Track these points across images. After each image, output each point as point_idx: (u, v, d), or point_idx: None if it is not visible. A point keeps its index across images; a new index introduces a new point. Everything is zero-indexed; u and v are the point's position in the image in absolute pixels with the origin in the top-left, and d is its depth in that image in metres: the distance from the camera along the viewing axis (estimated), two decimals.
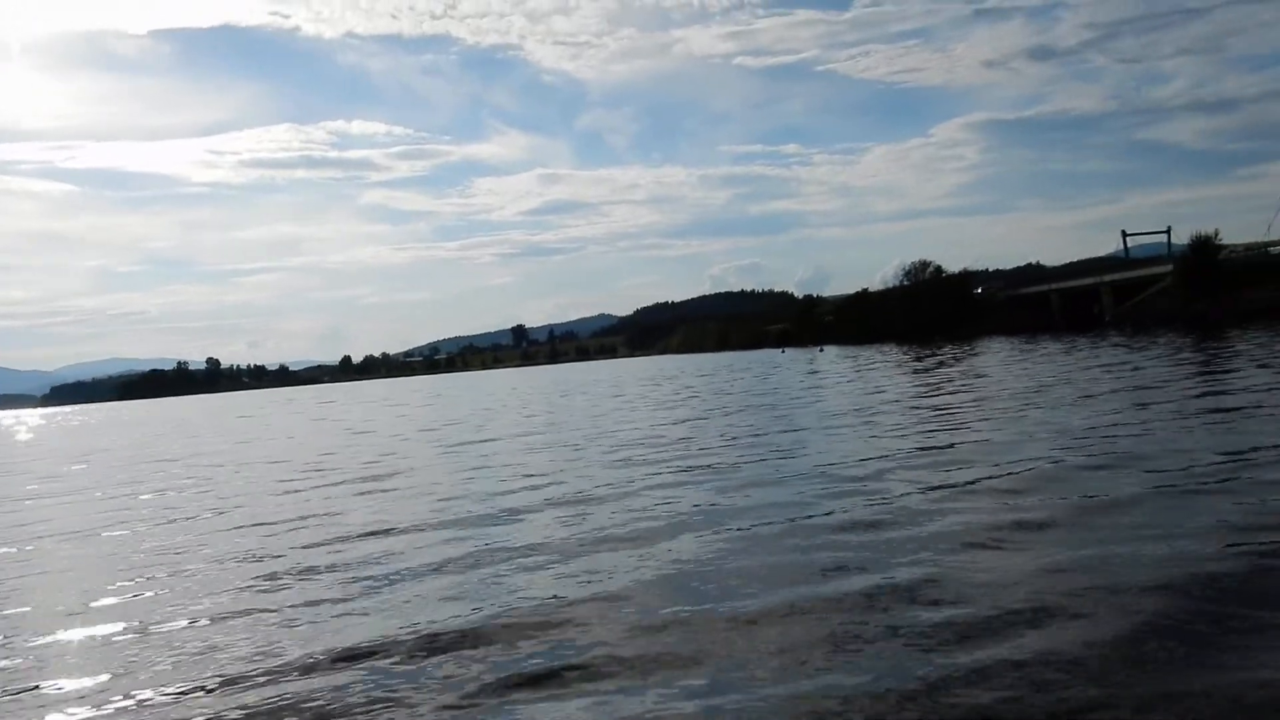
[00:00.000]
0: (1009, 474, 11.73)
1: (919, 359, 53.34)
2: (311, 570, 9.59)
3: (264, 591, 8.84)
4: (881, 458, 14.27)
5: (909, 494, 10.96)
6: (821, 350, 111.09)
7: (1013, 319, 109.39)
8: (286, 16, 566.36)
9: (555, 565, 8.86)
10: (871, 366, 50.17)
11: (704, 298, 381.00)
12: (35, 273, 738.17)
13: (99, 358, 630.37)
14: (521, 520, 11.50)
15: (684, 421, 24.59)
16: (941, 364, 43.91)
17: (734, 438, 19.17)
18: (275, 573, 9.58)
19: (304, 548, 10.87)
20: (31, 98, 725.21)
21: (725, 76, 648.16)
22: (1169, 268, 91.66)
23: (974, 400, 22.88)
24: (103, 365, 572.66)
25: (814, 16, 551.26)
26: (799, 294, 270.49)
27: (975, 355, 51.05)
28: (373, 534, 11.34)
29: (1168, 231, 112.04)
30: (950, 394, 25.66)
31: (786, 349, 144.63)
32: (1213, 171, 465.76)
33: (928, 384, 31.19)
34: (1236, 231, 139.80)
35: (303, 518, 13.19)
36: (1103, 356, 37.26)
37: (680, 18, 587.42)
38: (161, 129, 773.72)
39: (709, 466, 14.97)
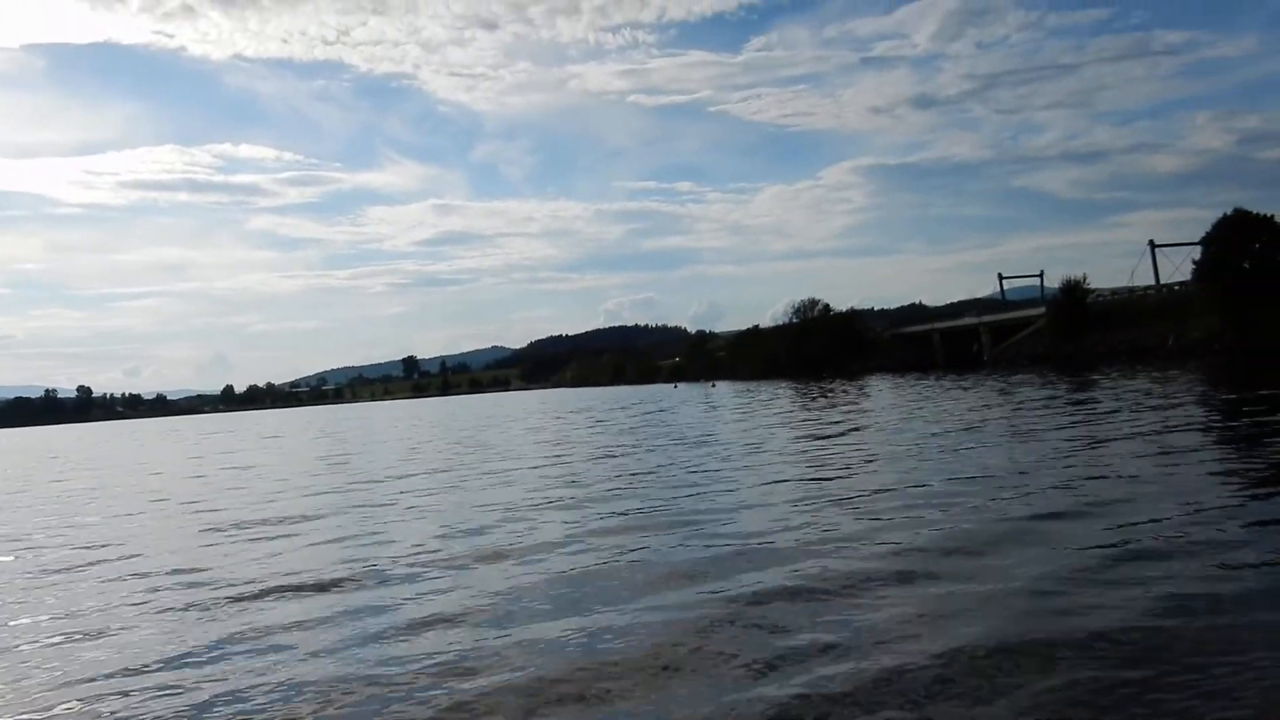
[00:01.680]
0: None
1: (809, 395, 54.68)
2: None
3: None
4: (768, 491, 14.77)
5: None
6: (714, 385, 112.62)
7: (897, 356, 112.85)
8: (171, 36, 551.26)
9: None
10: (769, 402, 51.20)
11: (598, 331, 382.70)
12: None
13: None
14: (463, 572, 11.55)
15: (604, 458, 24.75)
16: (833, 403, 45.10)
17: (634, 473, 19.49)
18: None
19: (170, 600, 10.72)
20: None
21: (620, 113, 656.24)
22: (1042, 310, 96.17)
23: (874, 436, 23.74)
24: None
25: (706, 58, 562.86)
26: (692, 329, 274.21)
27: (864, 392, 52.65)
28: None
29: (1040, 275, 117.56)
30: (847, 429, 26.54)
31: (679, 384, 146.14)
32: (1083, 218, 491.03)
33: (824, 422, 32.06)
34: (1104, 276, 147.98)
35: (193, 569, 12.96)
36: (980, 392, 39.07)
37: (576, 54, 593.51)
38: (33, 146, 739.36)
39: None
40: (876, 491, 13.49)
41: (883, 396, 44.61)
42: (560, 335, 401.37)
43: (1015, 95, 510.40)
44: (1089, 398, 30.44)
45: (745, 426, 30.94)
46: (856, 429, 25.75)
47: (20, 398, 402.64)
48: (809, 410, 37.93)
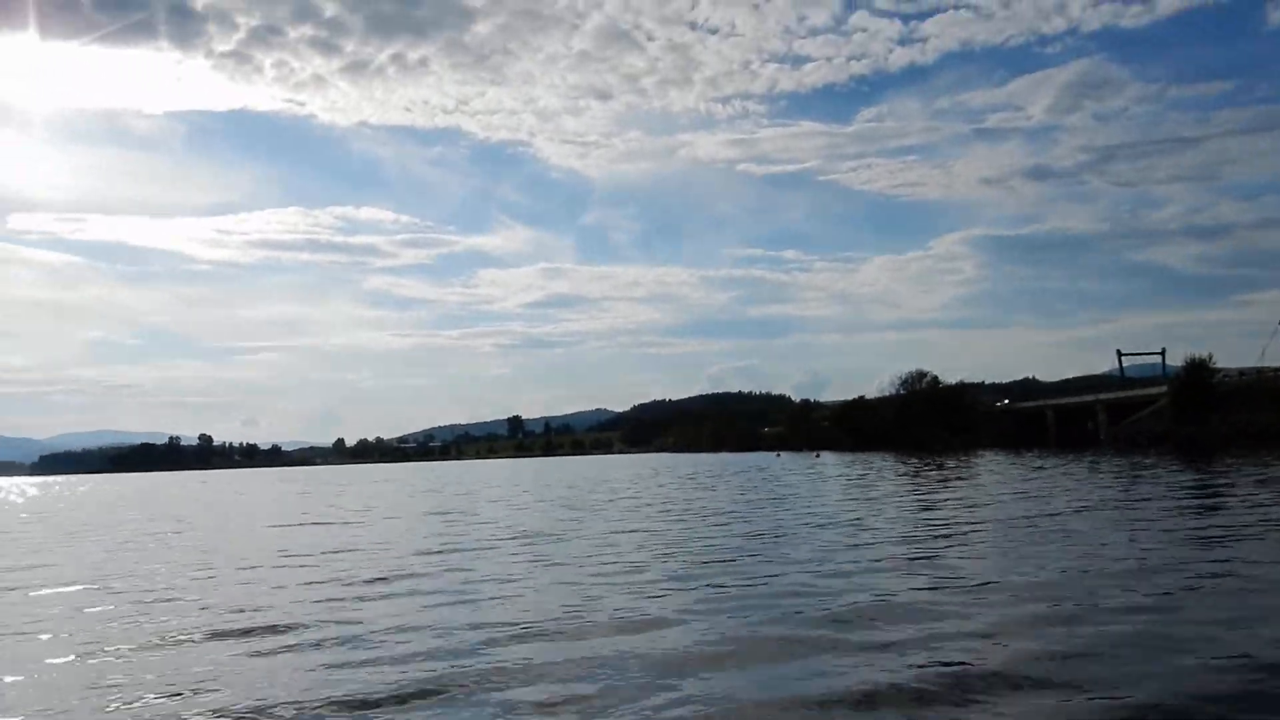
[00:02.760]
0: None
1: (917, 469, 53.89)
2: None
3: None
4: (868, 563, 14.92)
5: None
6: (818, 455, 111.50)
7: (1007, 433, 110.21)
8: (302, 104, 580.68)
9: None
10: (877, 475, 50.67)
11: (701, 397, 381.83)
12: (36, 341, 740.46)
13: (91, 428, 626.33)
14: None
15: (723, 526, 25.04)
16: (943, 478, 44.43)
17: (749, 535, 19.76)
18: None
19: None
20: (46, 170, 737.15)
21: (728, 181, 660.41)
22: (1164, 389, 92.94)
23: (988, 514, 23.48)
24: (94, 436, 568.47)
25: (816, 128, 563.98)
26: (795, 398, 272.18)
27: (976, 469, 51.66)
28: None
29: (1162, 353, 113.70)
30: (959, 506, 26.30)
31: (782, 453, 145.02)
32: (1207, 295, 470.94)
33: (935, 498, 31.68)
34: (1230, 355, 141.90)
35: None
36: (1099, 473, 38.05)
37: (686, 123, 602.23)
38: (171, 206, 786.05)
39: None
40: (989, 578, 13.12)
41: (994, 473, 43.76)
42: (663, 400, 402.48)
43: (1134, 168, 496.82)
44: (1215, 483, 29.51)
45: (854, 499, 30.84)
46: (968, 506, 25.48)
47: (146, 444, 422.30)
48: (918, 485, 37.51)
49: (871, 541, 18.12)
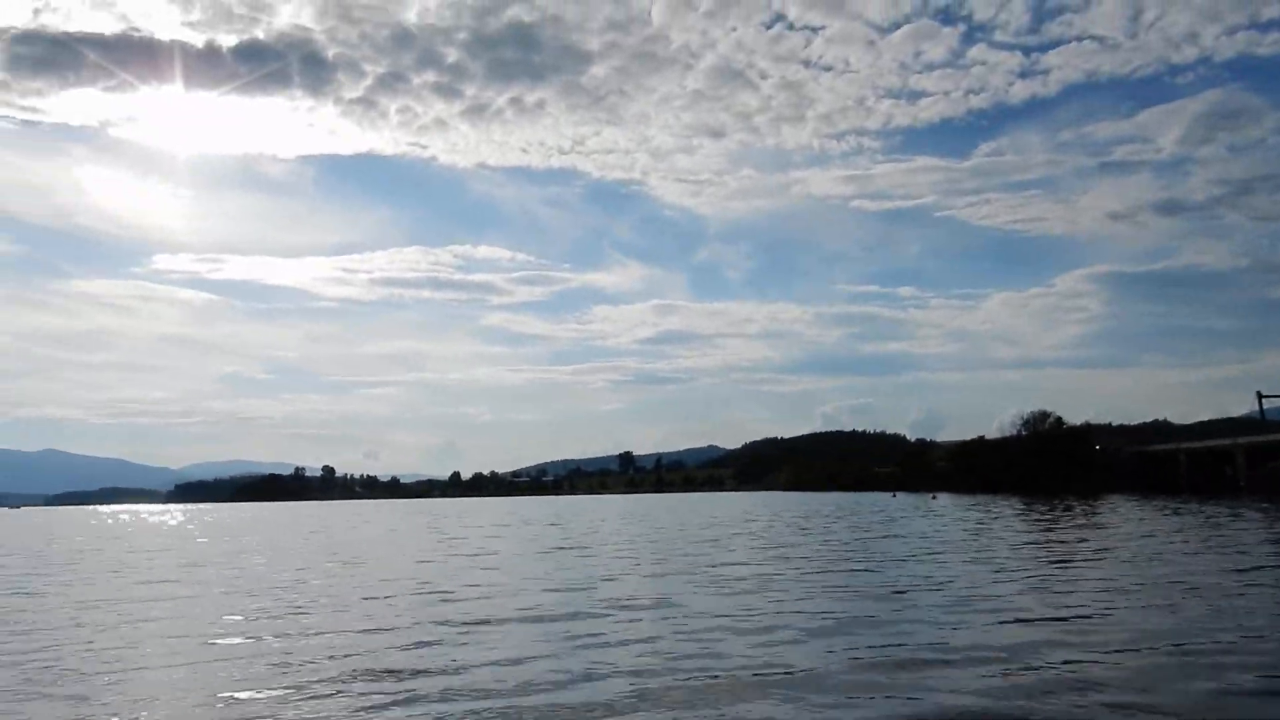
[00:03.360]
0: None
1: (1042, 515, 52.04)
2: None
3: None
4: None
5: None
6: (935, 497, 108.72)
7: (1137, 477, 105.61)
8: (424, 147, 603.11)
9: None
10: (998, 520, 49.19)
11: (814, 435, 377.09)
12: (174, 375, 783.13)
13: (223, 459, 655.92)
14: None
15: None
16: (1071, 525, 42.85)
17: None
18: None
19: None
20: (188, 213, 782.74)
21: (842, 218, 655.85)
22: None
23: (1124, 569, 22.07)
24: (225, 466, 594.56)
25: (933, 163, 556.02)
26: (911, 437, 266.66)
27: (1102, 515, 49.62)
28: None
29: None
30: (1091, 557, 25.30)
31: (897, 493, 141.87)
32: None
33: (1064, 547, 30.58)
34: None
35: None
36: (1242, 523, 36.10)
37: (800, 160, 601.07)
38: (300, 246, 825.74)
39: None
40: (1131, 643, 12.26)
41: (1124, 521, 41.92)
42: (775, 437, 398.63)
43: (1273, 201, 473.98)
44: None
45: (977, 546, 29.97)
46: (1101, 557, 24.43)
47: (274, 474, 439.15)
48: (1045, 532, 36.19)
49: (1010, 595, 17.56)
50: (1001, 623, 13.85)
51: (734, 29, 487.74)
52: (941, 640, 12.50)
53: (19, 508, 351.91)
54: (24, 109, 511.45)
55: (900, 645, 12.22)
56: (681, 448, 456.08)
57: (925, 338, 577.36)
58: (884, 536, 36.14)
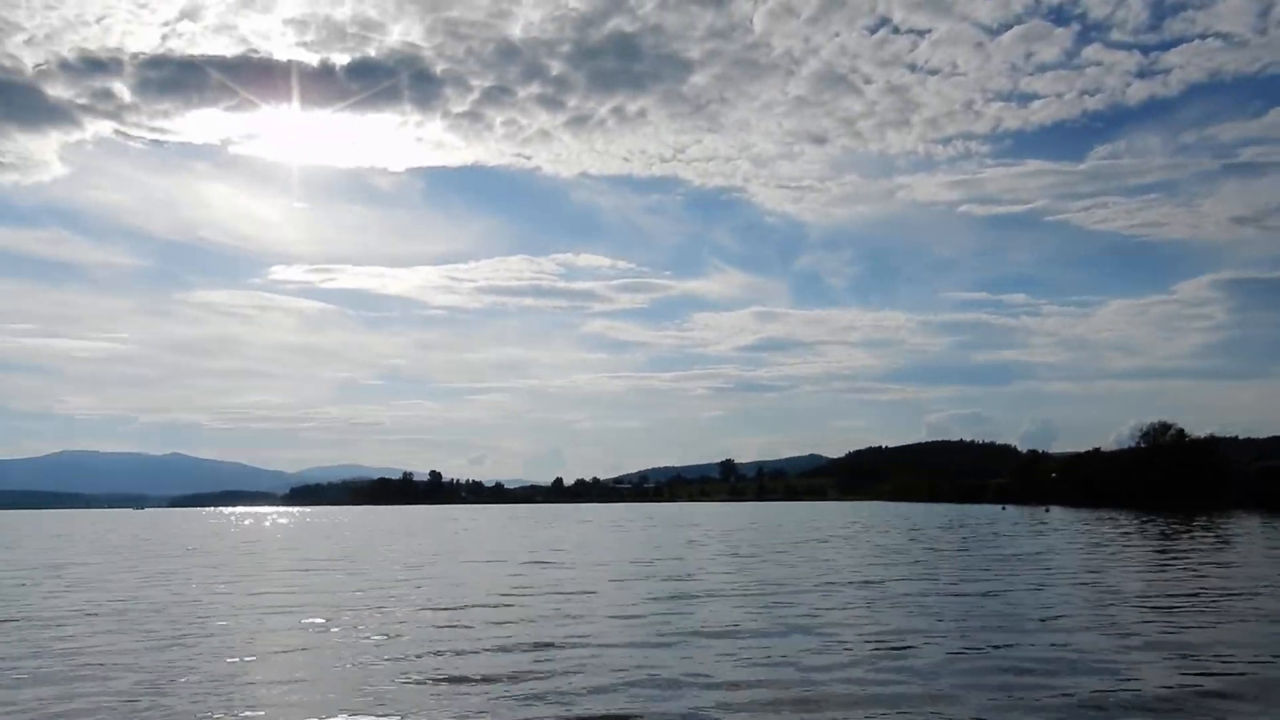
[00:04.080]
0: None
1: (1166, 534, 50.50)
2: None
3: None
4: None
5: None
6: (1048, 510, 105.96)
7: (1266, 494, 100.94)
8: (528, 158, 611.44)
9: None
10: (1118, 538, 48.01)
11: (919, 445, 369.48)
12: (291, 381, 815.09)
13: (335, 463, 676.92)
14: None
15: None
16: (1199, 546, 41.58)
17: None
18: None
19: None
20: (303, 225, 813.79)
21: (949, 224, 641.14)
22: None
23: (1269, 604, 20.30)
24: (338, 470, 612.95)
25: (1045, 167, 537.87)
26: (1022, 448, 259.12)
27: (1230, 534, 47.95)
28: None
29: None
30: (1226, 585, 24.58)
31: (1007, 506, 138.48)
32: None
33: (1194, 570, 28.65)
34: None
35: None
36: None
37: (905, 165, 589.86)
38: (409, 256, 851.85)
39: None
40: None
41: (1256, 543, 40.47)
42: (879, 447, 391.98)
43: None
44: None
45: (1095, 563, 29.49)
46: (1236, 586, 22.96)
47: (384, 478, 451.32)
48: (1171, 553, 35.25)
49: (1140, 620, 17.46)
50: (1183, 673, 12.36)
51: (837, 34, 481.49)
52: (1128, 687, 11.50)
53: (143, 508, 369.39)
54: (152, 130, 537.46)
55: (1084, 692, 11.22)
56: (783, 456, 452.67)
57: (1037, 346, 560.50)
58: (1032, 555, 35.76)
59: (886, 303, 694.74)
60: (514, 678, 11.87)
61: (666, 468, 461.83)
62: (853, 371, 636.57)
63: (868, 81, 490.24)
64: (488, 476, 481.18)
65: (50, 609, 20.08)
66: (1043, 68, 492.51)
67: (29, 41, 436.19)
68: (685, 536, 53.67)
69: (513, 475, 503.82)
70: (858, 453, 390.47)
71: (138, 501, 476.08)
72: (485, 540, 51.82)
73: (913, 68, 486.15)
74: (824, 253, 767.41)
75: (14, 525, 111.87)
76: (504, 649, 14.09)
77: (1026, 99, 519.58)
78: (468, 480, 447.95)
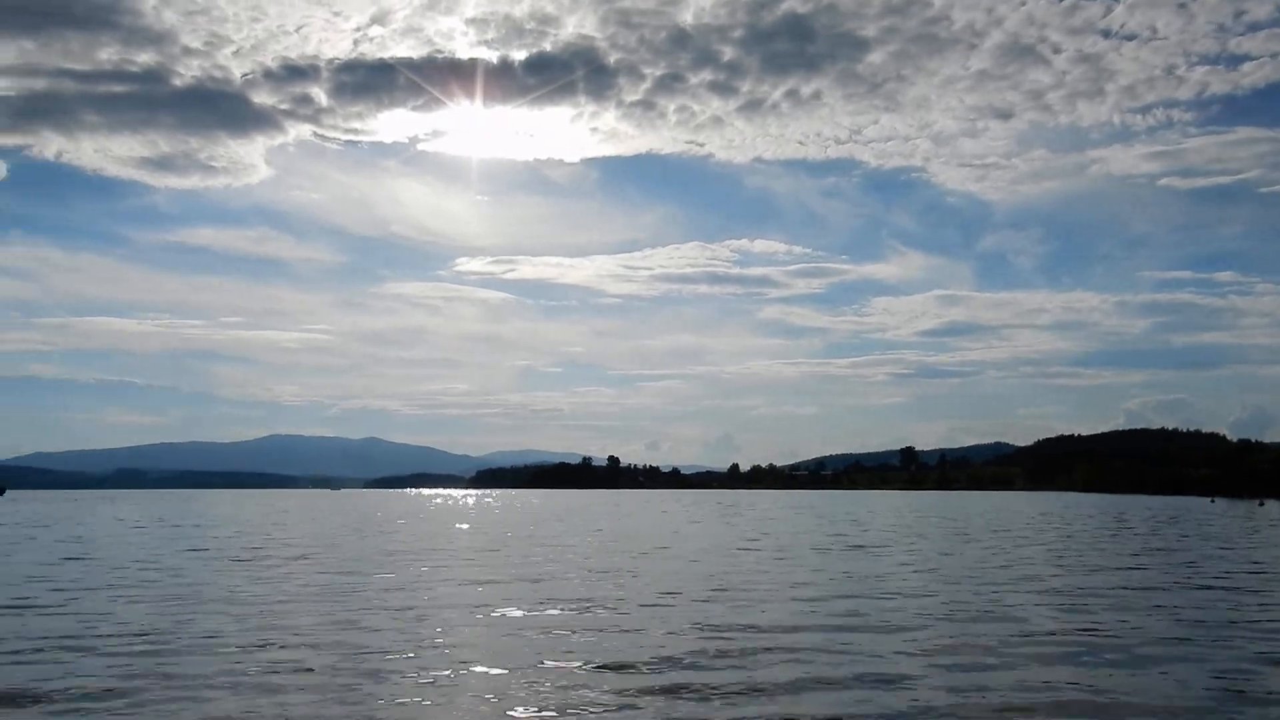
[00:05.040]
0: None
1: None
2: None
3: None
4: None
5: None
6: (1261, 504, 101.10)
7: None
8: (701, 145, 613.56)
9: None
10: None
11: (1115, 433, 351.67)
12: (475, 369, 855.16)
13: (517, 448, 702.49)
14: None
15: None
16: None
17: None
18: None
19: None
20: (485, 218, 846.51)
21: (1147, 198, 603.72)
22: None
23: None
24: (520, 455, 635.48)
25: (1258, 134, 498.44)
26: (1232, 437, 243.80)
27: None
28: None
29: None
30: None
31: (1215, 499, 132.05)
32: None
33: None
34: None
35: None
36: None
37: (1098, 138, 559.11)
38: (585, 246, 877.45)
39: None
40: None
41: None
42: (1071, 435, 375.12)
43: None
44: None
45: None
46: None
47: (563, 463, 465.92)
48: None
49: None
50: None
51: (1022, 3, 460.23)
52: None
53: (339, 489, 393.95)
54: (347, 131, 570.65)
55: None
56: (967, 444, 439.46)
57: (1249, 328, 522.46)
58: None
59: (1078, 283, 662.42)
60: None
61: (844, 455, 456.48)
62: (1042, 356, 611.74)
63: (1057, 51, 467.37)
64: (664, 462, 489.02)
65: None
66: (1255, 26, 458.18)
67: (236, 53, 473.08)
68: (952, 528, 52.52)
69: (689, 461, 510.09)
70: (1047, 441, 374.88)
71: (334, 483, 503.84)
72: (713, 526, 54.85)
73: (1106, 34, 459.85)
74: (1010, 232, 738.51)
75: (248, 502, 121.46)
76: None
77: (1236, 61, 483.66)
78: (644, 465, 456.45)
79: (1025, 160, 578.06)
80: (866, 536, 42.68)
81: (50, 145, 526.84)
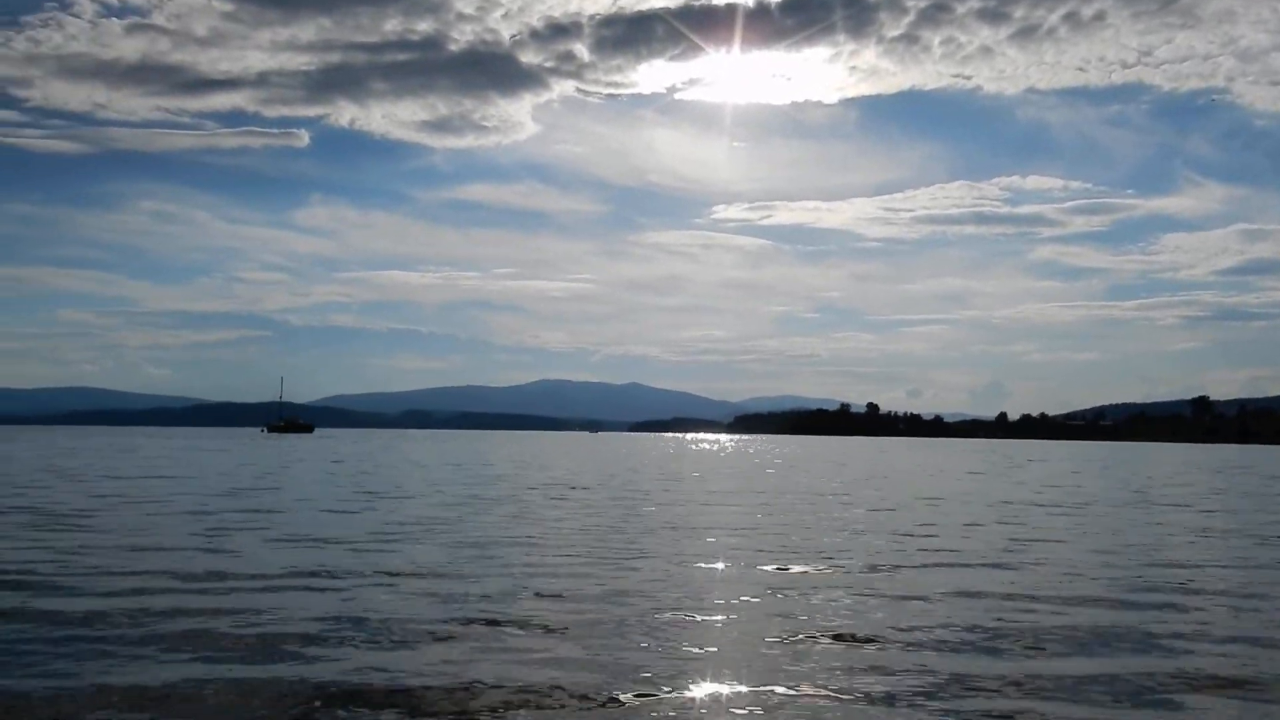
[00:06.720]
0: None
1: None
2: None
3: None
4: None
5: None
6: None
7: None
8: (968, 78, 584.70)
9: None
10: None
11: None
12: (733, 316, 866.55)
13: (774, 394, 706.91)
14: None
15: None
16: None
17: None
18: None
19: None
20: (742, 165, 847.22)
21: None
22: None
23: None
24: (777, 401, 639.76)
25: None
26: None
27: None
28: None
29: None
30: None
31: None
32: None
33: None
34: None
35: None
36: None
37: None
38: (843, 188, 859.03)
39: None
40: None
41: None
42: None
43: None
44: None
45: None
46: None
47: (820, 410, 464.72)
48: None
49: None
50: None
51: None
52: None
53: (597, 432, 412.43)
54: (608, 85, 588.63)
55: None
56: (1274, 393, 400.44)
57: None
58: None
59: None
60: None
61: (1126, 404, 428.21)
62: None
63: None
64: (926, 410, 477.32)
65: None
66: None
67: (505, 15, 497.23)
68: None
69: (953, 409, 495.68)
70: None
71: (596, 426, 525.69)
72: (994, 481, 52.99)
73: None
74: None
75: (532, 444, 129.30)
76: None
77: None
78: (906, 413, 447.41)
79: None
80: (1201, 500, 40.80)
81: (345, 114, 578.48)
